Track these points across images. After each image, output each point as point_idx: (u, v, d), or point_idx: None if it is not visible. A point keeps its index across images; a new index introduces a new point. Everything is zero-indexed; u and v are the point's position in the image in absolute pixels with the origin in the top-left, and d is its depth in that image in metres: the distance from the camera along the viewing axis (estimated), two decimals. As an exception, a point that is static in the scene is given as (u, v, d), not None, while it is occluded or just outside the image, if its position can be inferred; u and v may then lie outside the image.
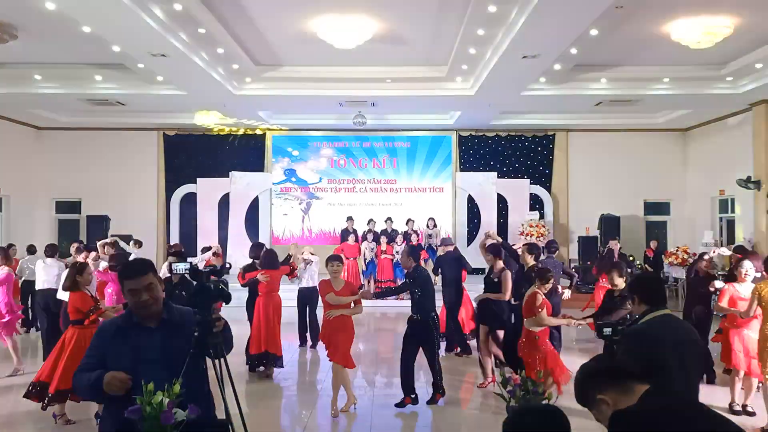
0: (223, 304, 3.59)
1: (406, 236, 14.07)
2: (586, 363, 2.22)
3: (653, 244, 14.68)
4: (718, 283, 6.85)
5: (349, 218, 14.50)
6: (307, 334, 9.57)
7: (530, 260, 7.18)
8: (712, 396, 6.49)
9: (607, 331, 3.94)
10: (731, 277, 6.75)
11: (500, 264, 7.35)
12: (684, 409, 1.87)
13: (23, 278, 10.09)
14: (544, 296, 6.01)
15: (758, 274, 6.47)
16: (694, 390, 3.13)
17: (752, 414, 6.15)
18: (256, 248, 8.64)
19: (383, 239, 13.76)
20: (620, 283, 5.94)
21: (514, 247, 8.28)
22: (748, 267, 6.24)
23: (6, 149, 14.80)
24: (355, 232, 14.14)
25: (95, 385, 2.70)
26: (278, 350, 7.75)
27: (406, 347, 6.51)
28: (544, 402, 5.28)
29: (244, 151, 16.45)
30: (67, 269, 6.80)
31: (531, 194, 16.18)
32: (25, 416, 6.25)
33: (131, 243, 11.43)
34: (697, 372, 3.21)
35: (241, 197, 16.00)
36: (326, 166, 16.79)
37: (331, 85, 12.09)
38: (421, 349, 6.49)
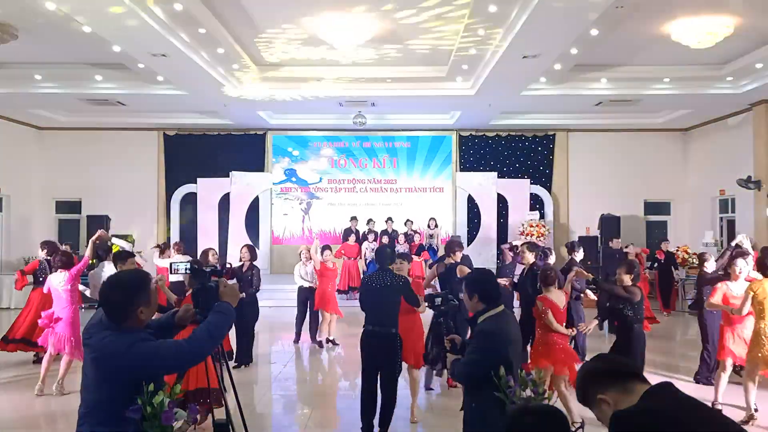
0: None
1: (408, 236, 14.07)
2: (588, 362, 2.22)
3: (664, 246, 13.77)
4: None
5: (353, 218, 14.50)
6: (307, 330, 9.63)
7: (530, 258, 7.19)
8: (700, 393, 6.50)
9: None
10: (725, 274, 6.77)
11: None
12: (685, 408, 1.87)
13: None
14: (550, 299, 5.96)
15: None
16: None
17: (755, 411, 6.12)
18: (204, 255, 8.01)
19: (384, 239, 13.75)
20: (627, 280, 5.91)
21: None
22: (742, 265, 6.27)
23: (6, 149, 14.80)
24: (356, 232, 14.14)
25: (223, 316, 2.79)
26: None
27: None
28: (544, 402, 5.25)
29: (244, 151, 16.46)
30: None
31: (531, 194, 16.16)
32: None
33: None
34: (519, 366, 3.37)
35: (241, 197, 15.98)
36: (326, 166, 16.79)
37: (331, 85, 12.10)
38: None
